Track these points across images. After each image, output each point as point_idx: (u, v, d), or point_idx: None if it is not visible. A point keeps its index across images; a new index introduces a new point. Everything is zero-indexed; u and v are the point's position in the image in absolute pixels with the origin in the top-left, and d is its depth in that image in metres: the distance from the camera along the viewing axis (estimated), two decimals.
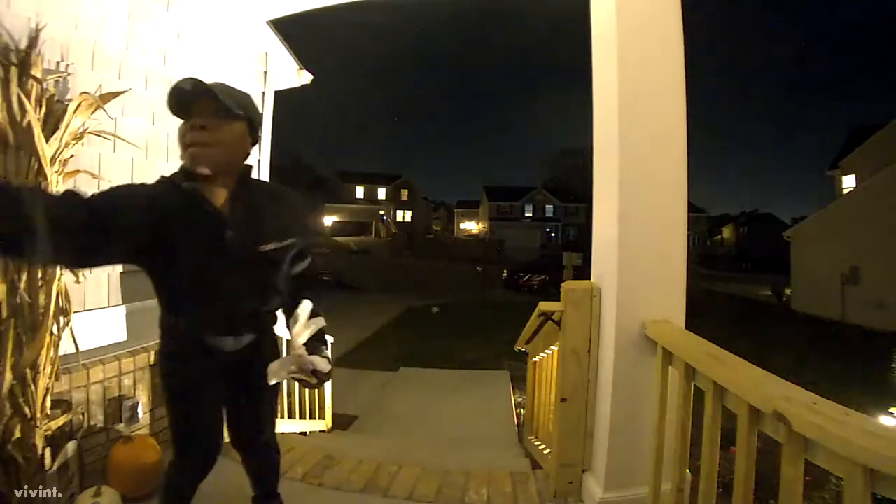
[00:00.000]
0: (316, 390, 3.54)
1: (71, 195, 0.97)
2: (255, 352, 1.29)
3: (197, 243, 1.12)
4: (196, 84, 1.06)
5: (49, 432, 1.56)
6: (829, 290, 13.89)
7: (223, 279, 1.16)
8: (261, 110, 3.03)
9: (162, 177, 1.16)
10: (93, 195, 1.01)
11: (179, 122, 1.14)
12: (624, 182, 1.66)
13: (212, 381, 1.30)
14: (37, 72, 1.54)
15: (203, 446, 1.34)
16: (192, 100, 1.09)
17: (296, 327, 1.15)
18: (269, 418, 1.49)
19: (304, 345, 1.15)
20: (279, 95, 3.25)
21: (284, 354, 1.37)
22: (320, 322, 1.19)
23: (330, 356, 1.23)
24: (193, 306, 1.20)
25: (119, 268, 2.05)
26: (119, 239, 1.01)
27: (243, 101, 1.17)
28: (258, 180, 1.28)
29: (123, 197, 1.06)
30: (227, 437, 1.48)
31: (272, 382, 1.12)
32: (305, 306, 1.17)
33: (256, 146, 3.12)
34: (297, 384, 3.15)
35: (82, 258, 1.02)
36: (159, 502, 1.40)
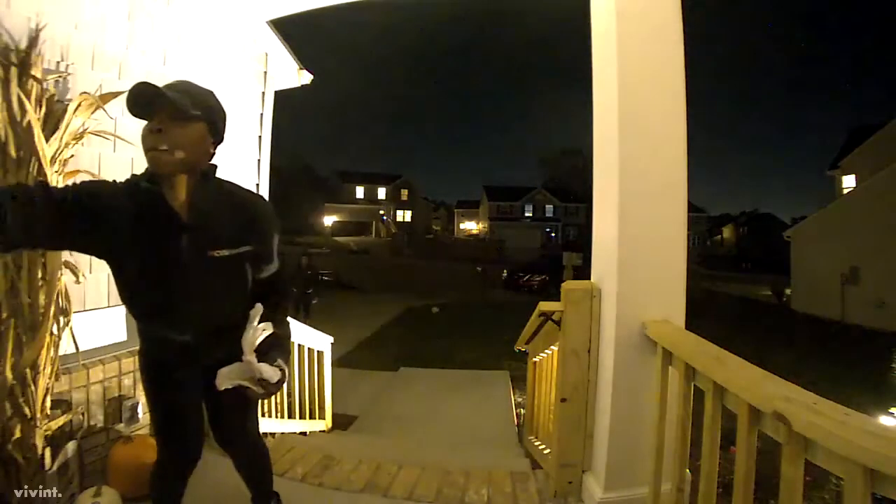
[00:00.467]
0: (316, 390, 3.54)
1: (39, 186, 1.03)
2: (225, 352, 1.23)
3: (151, 243, 1.13)
4: (146, 88, 1.05)
5: (49, 432, 1.56)
6: (829, 290, 13.89)
7: (177, 281, 1.16)
8: (262, 109, 3.04)
9: (132, 175, 1.17)
10: (62, 187, 1.07)
11: None
12: (624, 182, 1.66)
13: (182, 379, 1.32)
14: (37, 72, 1.54)
15: (180, 442, 1.37)
16: (146, 103, 1.08)
17: (245, 333, 1.12)
18: (247, 417, 1.49)
19: (256, 351, 1.12)
20: (279, 95, 3.25)
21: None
22: (268, 328, 1.16)
23: (284, 365, 1.19)
24: (148, 306, 1.22)
25: None
26: (76, 230, 1.06)
27: (202, 100, 1.15)
28: (224, 182, 1.25)
29: (87, 191, 1.09)
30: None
31: (221, 388, 1.09)
32: (255, 311, 1.15)
33: (257, 146, 3.11)
34: (297, 383, 3.18)
35: (41, 242, 1.09)
36: (151, 499, 1.43)
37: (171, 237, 1.14)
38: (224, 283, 1.23)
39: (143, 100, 1.07)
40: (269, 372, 1.12)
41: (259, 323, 1.15)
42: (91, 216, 1.06)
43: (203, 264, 1.17)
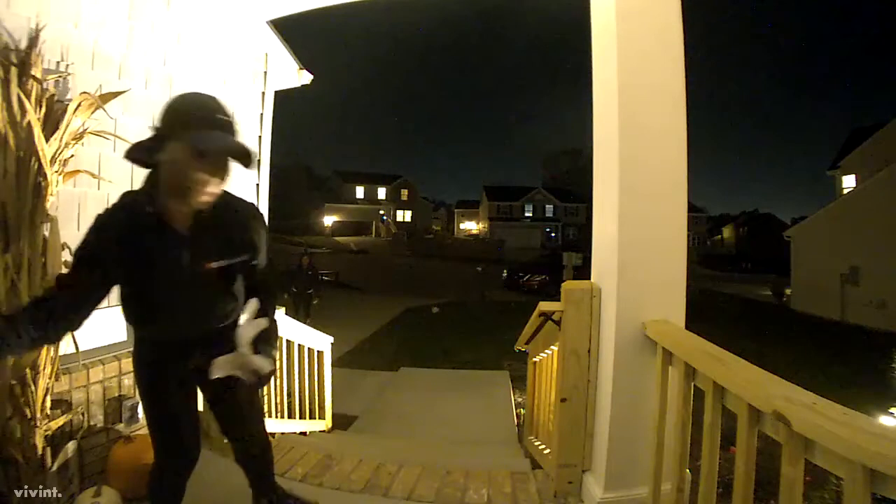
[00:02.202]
0: (316, 390, 3.54)
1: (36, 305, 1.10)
2: (218, 350, 1.29)
3: (157, 259, 1.18)
4: (239, 148, 1.11)
5: (49, 432, 1.56)
6: (829, 290, 13.90)
7: (180, 290, 1.22)
8: (262, 109, 3.04)
9: (133, 193, 1.19)
10: (60, 278, 1.15)
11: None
12: (624, 182, 1.66)
13: (179, 383, 1.36)
14: (37, 72, 1.53)
15: (178, 443, 1.39)
16: (226, 156, 1.13)
17: (240, 327, 1.22)
18: (251, 409, 1.53)
19: (251, 344, 1.21)
20: (279, 95, 3.25)
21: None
22: (262, 324, 1.25)
23: (276, 357, 1.28)
24: (152, 314, 1.27)
25: None
26: (101, 289, 1.16)
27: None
28: (223, 193, 1.29)
29: (87, 259, 1.13)
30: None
31: (214, 377, 1.18)
32: (251, 306, 1.26)
33: (257, 146, 3.11)
34: (297, 384, 3.18)
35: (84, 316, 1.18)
36: (150, 502, 1.43)
37: (175, 252, 1.18)
38: (223, 288, 1.29)
39: (231, 157, 1.13)
40: (263, 363, 1.20)
41: (254, 318, 1.24)
42: (102, 267, 1.13)
43: (204, 274, 1.22)
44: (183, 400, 1.38)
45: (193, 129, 1.08)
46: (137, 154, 1.17)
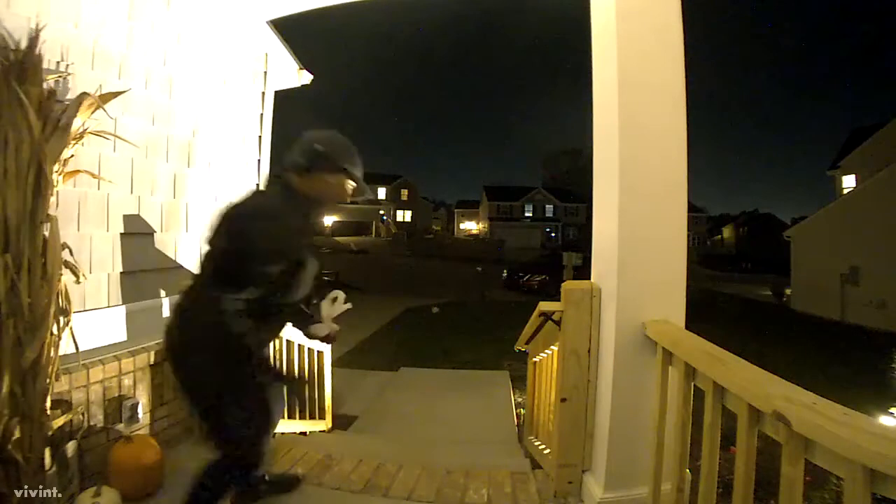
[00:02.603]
0: (316, 391, 3.56)
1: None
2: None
3: (307, 248, 1.45)
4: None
5: (49, 432, 1.56)
6: (829, 290, 13.91)
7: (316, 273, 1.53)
8: (262, 109, 3.04)
9: (265, 194, 1.51)
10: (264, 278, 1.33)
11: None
12: (624, 182, 1.66)
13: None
14: (37, 72, 1.53)
15: (265, 439, 1.54)
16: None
17: (330, 307, 1.65)
18: None
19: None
20: (279, 95, 3.25)
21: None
22: (348, 306, 1.70)
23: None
24: (299, 297, 1.49)
25: (119, 268, 2.05)
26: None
27: None
28: None
29: (290, 244, 1.36)
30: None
31: (316, 337, 1.63)
32: (340, 294, 1.68)
33: (257, 146, 3.11)
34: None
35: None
36: (212, 495, 1.42)
37: (311, 238, 1.52)
38: None
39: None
40: (336, 327, 1.69)
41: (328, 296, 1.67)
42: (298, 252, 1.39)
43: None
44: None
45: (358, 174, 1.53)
46: (316, 166, 1.45)
